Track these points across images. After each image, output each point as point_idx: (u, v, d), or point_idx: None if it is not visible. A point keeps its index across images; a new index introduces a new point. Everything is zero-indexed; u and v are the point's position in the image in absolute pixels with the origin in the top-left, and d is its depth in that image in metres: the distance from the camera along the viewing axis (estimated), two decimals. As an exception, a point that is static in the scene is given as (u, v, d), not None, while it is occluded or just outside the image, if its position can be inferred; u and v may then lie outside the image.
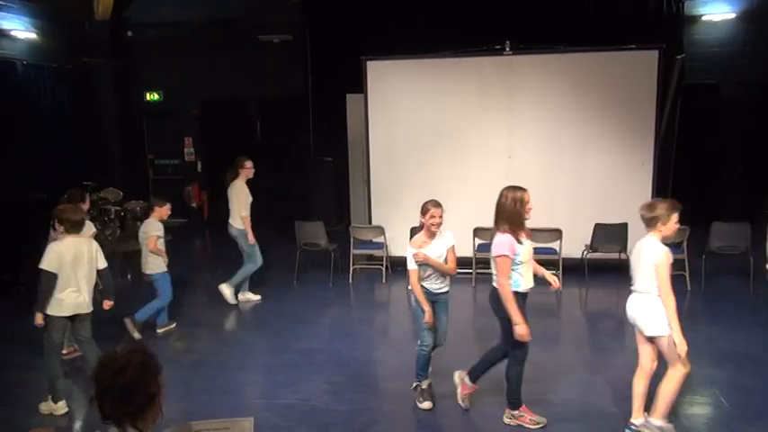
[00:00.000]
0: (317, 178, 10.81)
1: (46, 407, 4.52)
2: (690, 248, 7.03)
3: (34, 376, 4.79)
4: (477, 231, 7.39)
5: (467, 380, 4.46)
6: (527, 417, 4.24)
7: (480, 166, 7.84)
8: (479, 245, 7.45)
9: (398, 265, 7.91)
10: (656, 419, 3.97)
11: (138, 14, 11.59)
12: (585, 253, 7.47)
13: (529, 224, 7.54)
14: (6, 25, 9.29)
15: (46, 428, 1.95)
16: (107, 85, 11.60)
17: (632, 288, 4.00)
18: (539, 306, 6.87)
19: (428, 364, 4.58)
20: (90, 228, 5.50)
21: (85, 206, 5.77)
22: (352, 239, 7.86)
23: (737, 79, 10.51)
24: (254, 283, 7.28)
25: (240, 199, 6.72)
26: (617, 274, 7.44)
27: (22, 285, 7.25)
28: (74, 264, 4.47)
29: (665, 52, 7.49)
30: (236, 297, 7.09)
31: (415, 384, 4.62)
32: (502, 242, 3.99)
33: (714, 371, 5.08)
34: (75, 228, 4.53)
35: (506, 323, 4.05)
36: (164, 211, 6.15)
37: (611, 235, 7.29)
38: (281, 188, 7.44)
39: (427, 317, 4.37)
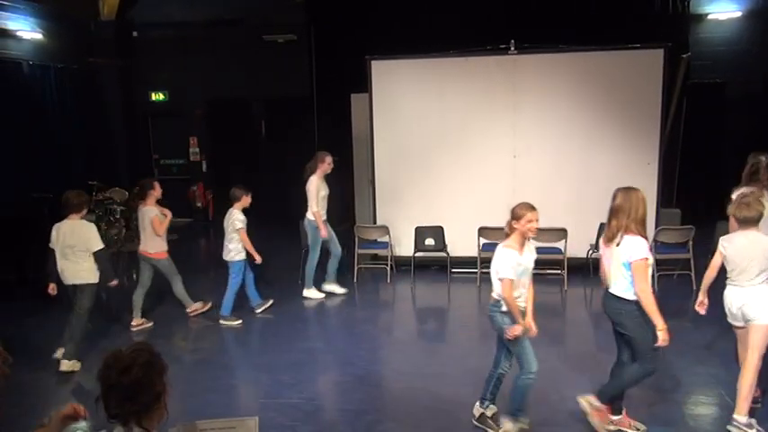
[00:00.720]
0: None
1: (67, 366, 5.22)
2: (695, 248, 7.01)
3: (36, 377, 4.81)
4: (482, 231, 7.39)
5: (596, 403, 4.13)
6: (627, 421, 4.14)
7: (485, 166, 7.84)
8: (484, 244, 7.45)
9: (403, 265, 7.91)
10: (743, 417, 3.99)
11: (143, 14, 11.63)
12: (590, 252, 7.46)
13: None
14: (12, 26, 9.34)
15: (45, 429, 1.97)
16: (112, 85, 11.65)
17: (735, 283, 4.07)
18: (544, 305, 6.86)
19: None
20: (151, 211, 6.25)
21: (156, 193, 6.34)
22: (356, 239, 7.86)
23: (744, 78, 10.45)
24: (258, 284, 7.28)
25: (312, 194, 6.85)
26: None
27: (28, 286, 7.28)
28: (67, 241, 5.18)
29: (670, 51, 7.46)
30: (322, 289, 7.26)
31: (501, 421, 4.13)
32: (640, 244, 3.79)
33: (720, 371, 5.06)
34: (73, 209, 5.26)
35: (636, 335, 3.89)
36: (247, 199, 6.36)
37: (617, 234, 7.26)
38: (286, 188, 7.44)
39: (518, 329, 3.83)
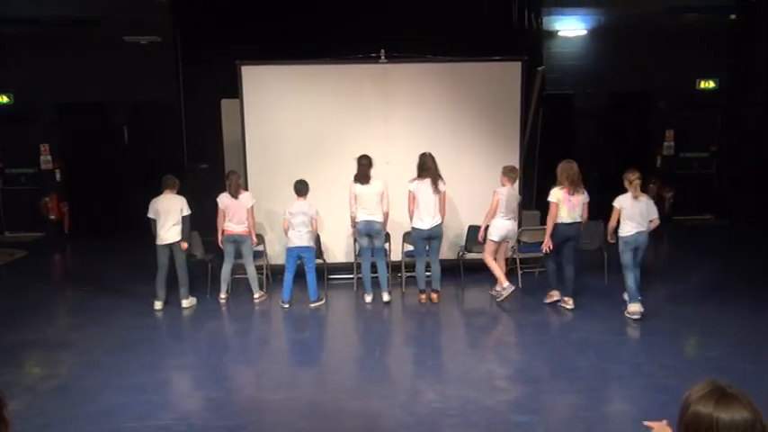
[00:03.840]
0: (191, 186, 10.33)
1: (188, 302, 7.08)
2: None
3: None
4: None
5: None
6: None
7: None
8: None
9: (279, 273, 7.78)
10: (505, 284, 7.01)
11: (-19, 9, 10.50)
12: (461, 254, 7.80)
13: (406, 227, 7.75)
14: None
15: None
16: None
17: (508, 217, 6.96)
18: (419, 307, 7.07)
19: None
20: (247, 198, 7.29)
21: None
22: (230, 249, 7.61)
23: (590, 90, 11.53)
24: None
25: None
26: (490, 273, 7.83)
27: None
28: (166, 210, 6.91)
29: (527, 64, 8.02)
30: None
31: None
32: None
33: (576, 359, 5.50)
34: (168, 187, 7.01)
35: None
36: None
37: (484, 236, 7.66)
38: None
39: None
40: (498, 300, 6.97)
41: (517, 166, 7.85)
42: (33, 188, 11.45)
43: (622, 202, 6.36)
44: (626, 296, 6.52)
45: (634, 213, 6.30)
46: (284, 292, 7.08)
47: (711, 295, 7.16)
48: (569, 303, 6.78)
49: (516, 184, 7.17)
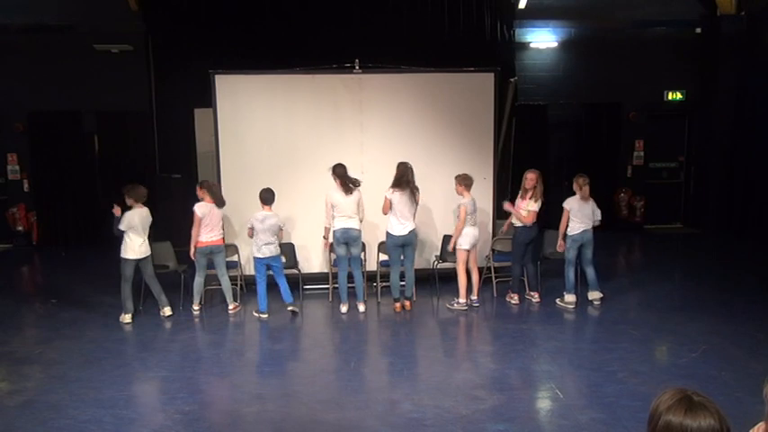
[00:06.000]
0: (164, 196, 10.25)
1: (169, 310, 7.03)
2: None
3: None
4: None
5: None
6: None
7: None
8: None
9: (254, 284, 7.71)
10: (462, 299, 7.10)
11: (-54, 15, 10.28)
12: (435, 263, 7.82)
13: (381, 237, 7.75)
14: None
15: None
16: None
17: (475, 225, 7.11)
18: (393, 316, 7.07)
19: None
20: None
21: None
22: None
23: (561, 100, 11.72)
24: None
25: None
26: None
27: None
28: (142, 225, 6.83)
29: (500, 75, 8.12)
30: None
31: None
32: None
33: (551, 367, 5.55)
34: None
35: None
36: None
37: (459, 245, 7.69)
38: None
39: None
40: (448, 307, 7.26)
41: (489, 176, 7.97)
42: (0, 198, 11.20)
43: (572, 204, 7.03)
44: (590, 295, 7.19)
45: (582, 214, 7.00)
46: (261, 303, 7.02)
47: (681, 303, 7.31)
48: (535, 297, 7.39)
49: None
